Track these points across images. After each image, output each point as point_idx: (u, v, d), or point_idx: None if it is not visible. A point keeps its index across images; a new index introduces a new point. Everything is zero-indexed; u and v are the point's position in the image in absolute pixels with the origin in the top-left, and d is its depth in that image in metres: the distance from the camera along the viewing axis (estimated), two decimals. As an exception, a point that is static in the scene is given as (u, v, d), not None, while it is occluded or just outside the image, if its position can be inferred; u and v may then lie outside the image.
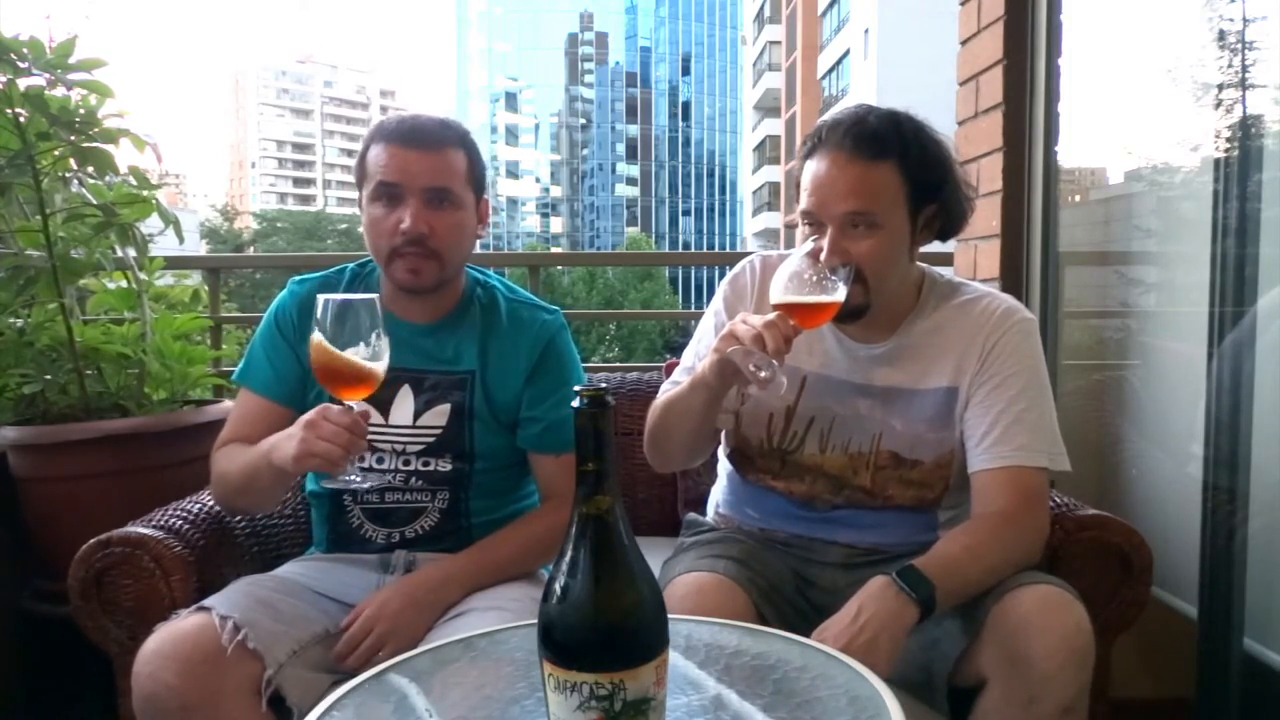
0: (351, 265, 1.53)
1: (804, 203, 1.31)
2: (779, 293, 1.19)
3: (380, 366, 1.14)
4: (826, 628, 1.14)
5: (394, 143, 1.37)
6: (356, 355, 1.12)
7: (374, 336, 1.13)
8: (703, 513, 1.60)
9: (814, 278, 1.19)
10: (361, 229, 1.45)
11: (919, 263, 1.43)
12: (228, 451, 1.40)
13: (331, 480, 1.21)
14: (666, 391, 1.43)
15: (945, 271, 1.50)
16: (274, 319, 1.48)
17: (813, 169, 1.30)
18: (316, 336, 1.12)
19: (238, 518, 1.55)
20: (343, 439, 1.15)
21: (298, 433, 1.18)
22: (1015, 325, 1.35)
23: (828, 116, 1.35)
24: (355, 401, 1.17)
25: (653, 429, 1.42)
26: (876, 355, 1.39)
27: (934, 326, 1.38)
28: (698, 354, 1.47)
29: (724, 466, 1.55)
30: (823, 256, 1.25)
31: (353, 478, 1.20)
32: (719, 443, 1.52)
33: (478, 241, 1.51)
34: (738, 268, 1.49)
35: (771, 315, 1.18)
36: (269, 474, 1.28)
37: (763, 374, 1.16)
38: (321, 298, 1.13)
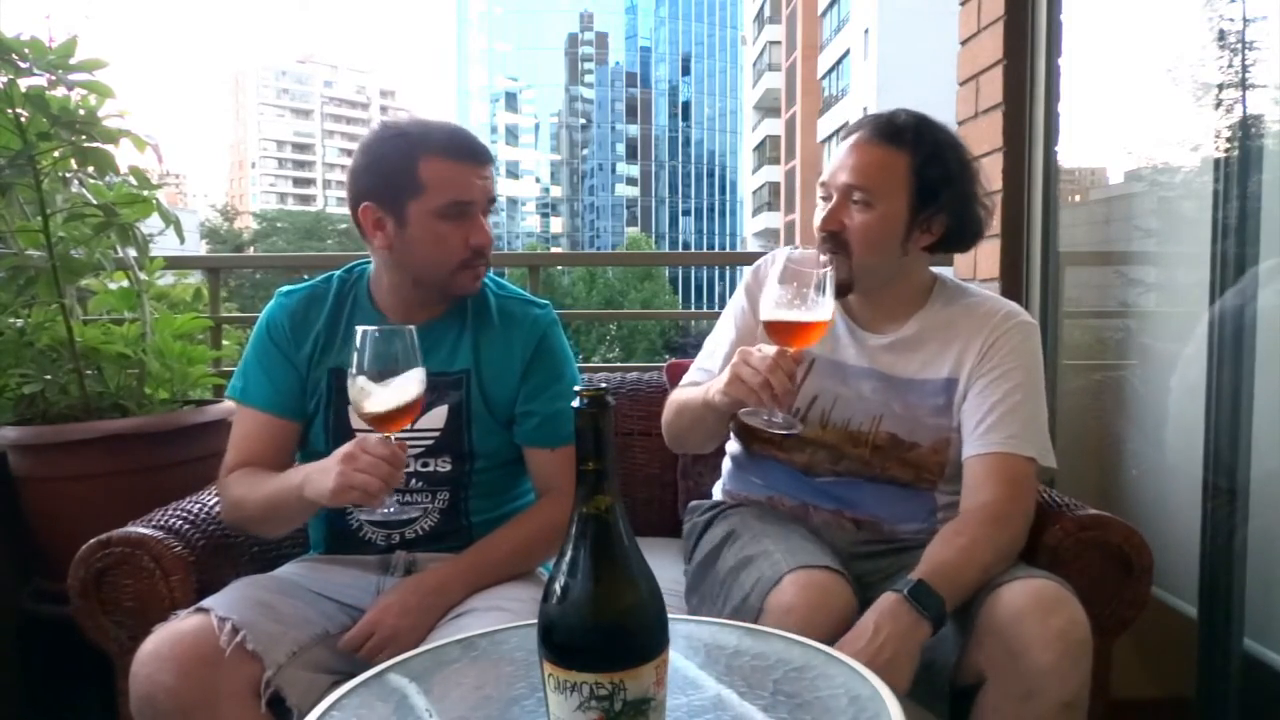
0: (338, 273, 1.52)
1: (823, 175, 1.43)
2: (769, 311, 1.22)
3: (418, 396, 1.14)
4: (845, 644, 1.15)
5: (462, 159, 1.37)
6: (393, 387, 1.12)
7: (411, 365, 1.13)
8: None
9: (797, 299, 1.21)
10: (379, 244, 1.39)
11: (931, 267, 1.49)
12: (241, 478, 1.38)
13: (368, 512, 1.20)
14: (684, 387, 1.51)
15: (948, 273, 1.55)
16: (266, 330, 1.46)
17: (837, 150, 1.43)
18: (355, 372, 1.12)
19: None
20: (381, 470, 1.15)
21: (334, 465, 1.17)
22: (1017, 326, 1.42)
23: (870, 113, 1.47)
24: (393, 433, 1.17)
25: (670, 422, 1.52)
26: (884, 344, 1.45)
27: (940, 323, 1.45)
28: (719, 339, 1.54)
29: (731, 446, 1.60)
30: (819, 223, 1.38)
31: (389, 509, 1.20)
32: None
33: None
34: (759, 261, 1.58)
35: (771, 352, 1.21)
36: (298, 507, 1.28)
37: (775, 419, 1.23)
38: (359, 330, 1.12)
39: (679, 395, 1.50)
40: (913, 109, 1.43)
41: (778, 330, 1.22)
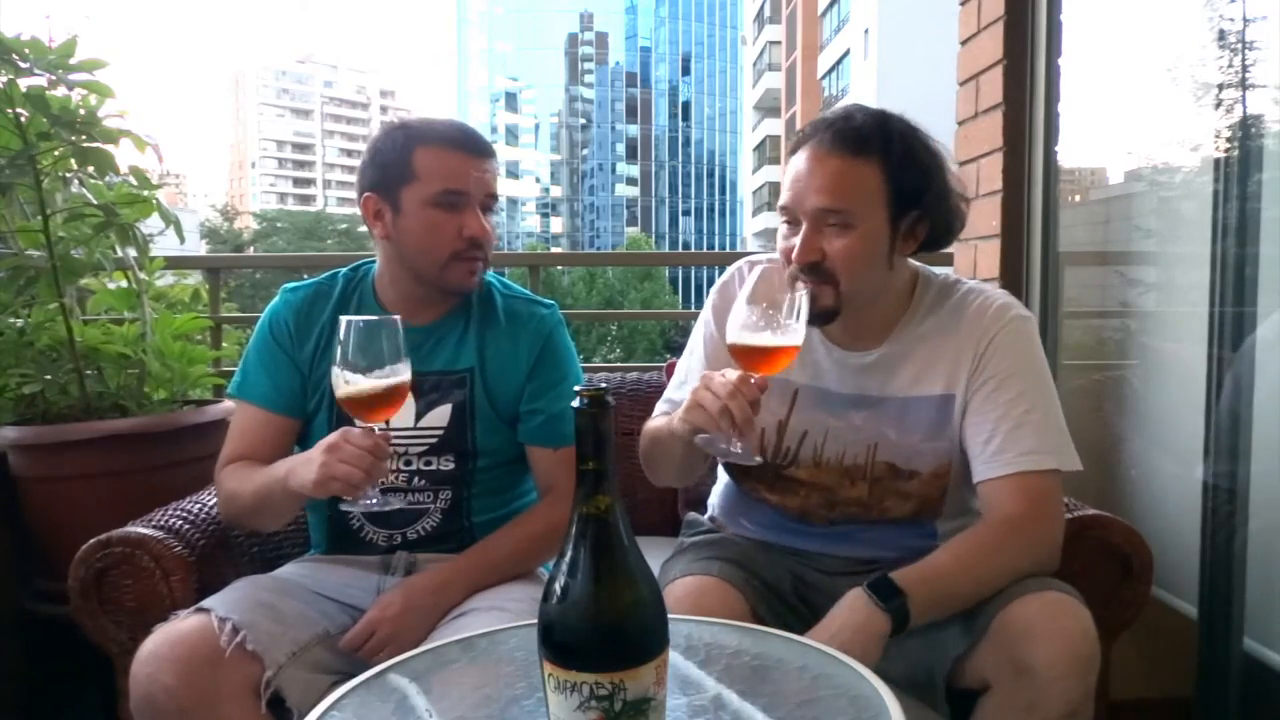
0: (344, 270, 1.52)
1: (782, 197, 1.29)
2: (734, 333, 1.15)
3: (403, 385, 1.14)
4: (808, 634, 1.14)
5: (457, 149, 1.38)
6: (379, 377, 1.12)
7: (396, 357, 1.13)
8: (703, 512, 1.59)
9: (767, 323, 1.14)
10: (378, 234, 1.41)
11: (914, 263, 1.39)
12: (235, 471, 1.39)
13: (351, 503, 1.20)
14: (656, 417, 1.43)
15: (946, 271, 1.48)
16: (268, 328, 1.47)
17: (794, 164, 1.28)
18: (338, 363, 1.12)
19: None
20: (365, 462, 1.15)
21: (318, 456, 1.17)
22: (1009, 324, 1.31)
23: (819, 115, 1.32)
24: (377, 424, 1.17)
25: (644, 452, 1.43)
26: (868, 364, 1.36)
27: (926, 332, 1.35)
28: (689, 368, 1.46)
29: (722, 471, 1.55)
30: (794, 254, 1.24)
31: (372, 501, 1.19)
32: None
33: None
34: (726, 274, 1.47)
35: (733, 378, 1.14)
36: (284, 498, 1.28)
37: (734, 449, 1.16)
38: (343, 320, 1.13)
39: (650, 425, 1.41)
40: (865, 105, 1.30)
41: (743, 354, 1.14)
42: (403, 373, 1.14)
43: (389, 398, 1.14)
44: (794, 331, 1.13)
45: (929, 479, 1.34)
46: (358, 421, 1.19)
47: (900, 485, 1.35)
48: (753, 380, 1.14)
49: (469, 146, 1.39)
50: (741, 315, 1.14)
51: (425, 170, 1.36)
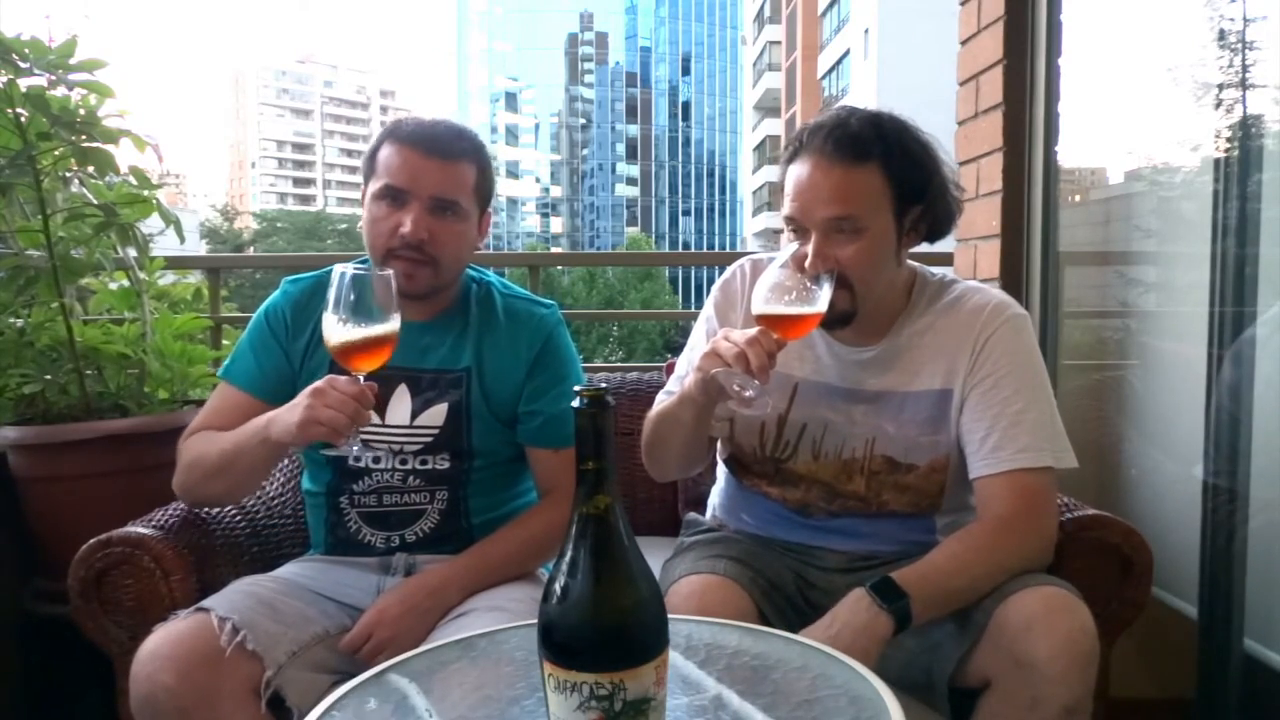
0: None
1: (787, 208, 1.29)
2: (760, 304, 1.19)
3: (390, 335, 1.15)
4: (805, 632, 1.14)
5: (408, 146, 1.37)
6: (368, 327, 1.14)
7: (386, 309, 1.15)
8: (703, 512, 1.60)
9: (795, 287, 1.18)
10: (361, 225, 1.46)
11: (910, 262, 1.41)
12: (202, 437, 1.39)
13: (334, 449, 1.21)
14: (660, 402, 1.44)
15: (945, 270, 1.49)
16: (265, 317, 1.47)
17: (795, 174, 1.29)
18: (329, 310, 1.13)
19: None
20: (349, 408, 1.16)
21: (303, 400, 1.19)
22: (1005, 322, 1.32)
23: (810, 120, 1.33)
24: (361, 373, 1.18)
25: (647, 439, 1.43)
26: (867, 359, 1.37)
27: (924, 328, 1.36)
28: (690, 361, 1.45)
29: (722, 469, 1.55)
30: (807, 263, 1.24)
31: (353, 448, 1.21)
32: (715, 450, 1.52)
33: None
34: (728, 272, 1.48)
35: (754, 331, 1.17)
36: (260, 450, 1.28)
37: (747, 393, 1.17)
38: (337, 268, 1.14)
39: (652, 411, 1.42)
40: (855, 107, 1.32)
41: (769, 323, 1.18)
42: (391, 323, 1.15)
43: (377, 346, 1.15)
44: (819, 299, 1.19)
45: (926, 472, 1.36)
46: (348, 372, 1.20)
47: (898, 478, 1.37)
48: (774, 337, 1.17)
49: (423, 145, 1.37)
50: (767, 284, 1.18)
51: (380, 165, 1.39)
